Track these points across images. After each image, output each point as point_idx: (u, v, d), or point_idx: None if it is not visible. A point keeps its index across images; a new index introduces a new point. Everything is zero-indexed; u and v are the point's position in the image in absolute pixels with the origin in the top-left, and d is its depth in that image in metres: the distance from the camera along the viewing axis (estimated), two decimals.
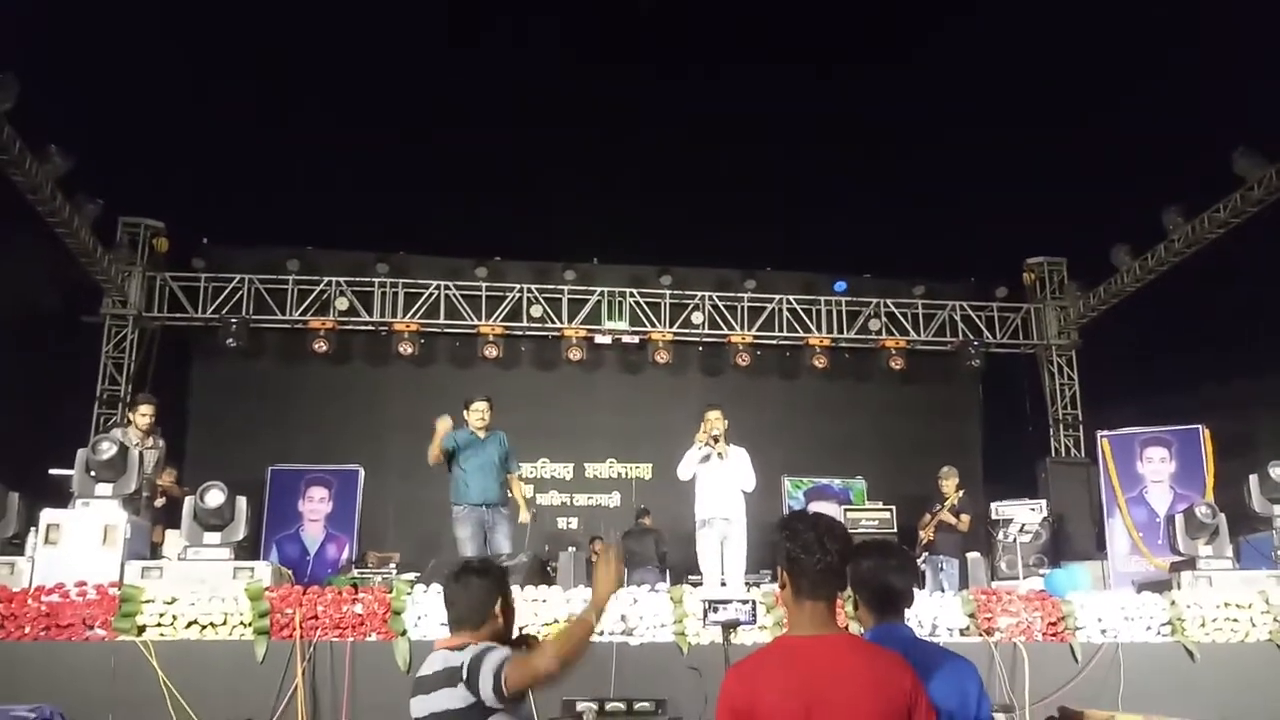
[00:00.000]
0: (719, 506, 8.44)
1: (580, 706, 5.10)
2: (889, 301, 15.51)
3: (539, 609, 6.73)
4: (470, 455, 8.64)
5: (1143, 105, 12.91)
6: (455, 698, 3.18)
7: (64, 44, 11.15)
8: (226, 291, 14.40)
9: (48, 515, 7.09)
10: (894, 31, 13.76)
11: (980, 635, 7.04)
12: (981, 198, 14.09)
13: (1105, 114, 13.27)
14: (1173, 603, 7.34)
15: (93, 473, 7.37)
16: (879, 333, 15.38)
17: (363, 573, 10.53)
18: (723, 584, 8.35)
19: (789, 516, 2.95)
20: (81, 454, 7.45)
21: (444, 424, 8.61)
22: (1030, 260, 15.97)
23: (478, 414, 8.78)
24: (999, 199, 14.11)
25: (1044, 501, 11.56)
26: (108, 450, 7.33)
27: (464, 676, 3.18)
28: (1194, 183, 12.78)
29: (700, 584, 8.56)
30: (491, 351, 14.63)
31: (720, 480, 8.48)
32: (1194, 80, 12.10)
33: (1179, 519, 8.32)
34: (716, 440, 8.47)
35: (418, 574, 9.44)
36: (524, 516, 8.94)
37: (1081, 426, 15.30)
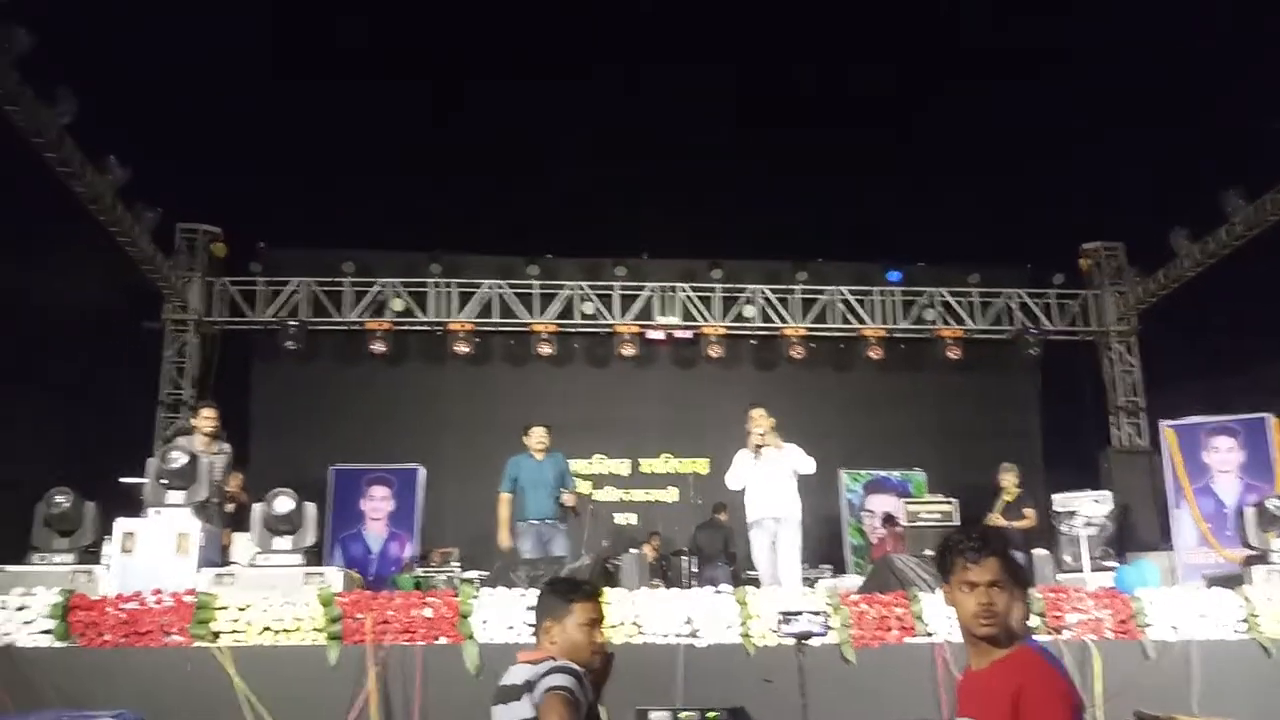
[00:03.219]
0: (768, 506, 8.44)
1: (653, 716, 5.10)
2: (944, 290, 15.35)
3: (605, 612, 6.73)
4: (529, 476, 9.17)
5: (1199, 87, 12.68)
6: (524, 709, 3.23)
7: (118, 57, 11.33)
8: (284, 295, 14.60)
9: (123, 524, 7.24)
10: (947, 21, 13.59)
11: (1049, 633, 6.97)
12: (1037, 183, 13.91)
13: (1161, 97, 13.04)
14: (1246, 599, 7.21)
15: (164, 481, 7.50)
16: (934, 322, 15.23)
17: (426, 571, 10.67)
18: (778, 583, 8.36)
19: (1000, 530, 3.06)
20: (152, 463, 7.59)
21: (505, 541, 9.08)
22: (1087, 246, 15.74)
23: (536, 438, 9.31)
24: (1054, 184, 13.93)
25: (1108, 492, 11.36)
26: (177, 460, 7.46)
27: (530, 691, 3.23)
28: (1254, 164, 12.51)
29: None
30: (545, 349, 14.69)
31: (768, 480, 8.47)
32: (1252, 60, 11.85)
33: (1250, 512, 8.18)
34: (759, 448, 8.46)
35: (479, 571, 9.58)
36: (567, 499, 9.25)
37: (1143, 414, 15.07)
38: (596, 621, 3.46)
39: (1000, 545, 2.86)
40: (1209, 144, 12.51)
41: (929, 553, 9.33)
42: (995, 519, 10.73)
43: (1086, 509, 10.20)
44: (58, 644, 6.42)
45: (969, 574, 2.82)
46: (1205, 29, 12.14)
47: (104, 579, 7.07)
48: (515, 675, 3.34)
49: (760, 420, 8.54)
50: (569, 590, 3.51)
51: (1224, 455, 11.29)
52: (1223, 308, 13.80)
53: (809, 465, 8.51)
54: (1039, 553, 9.09)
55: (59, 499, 7.49)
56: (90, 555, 7.51)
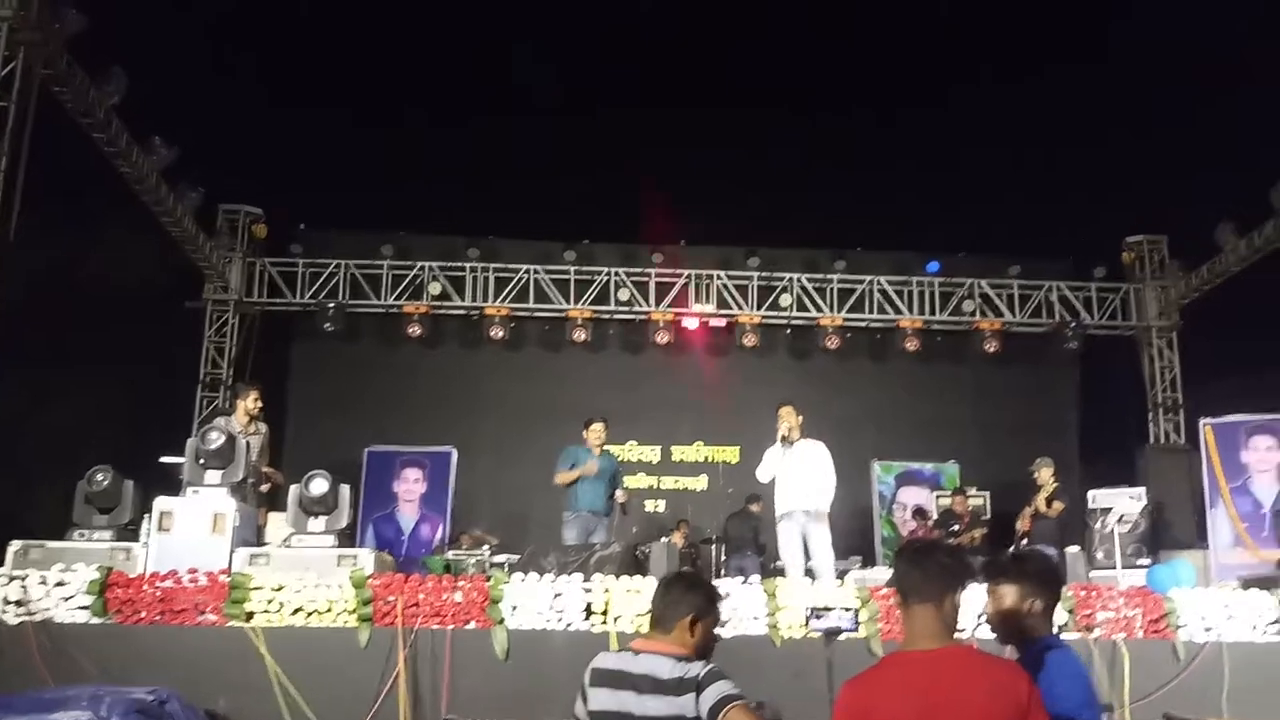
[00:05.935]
0: (797, 499, 8.48)
1: None
2: (983, 282, 15.21)
3: (634, 600, 6.77)
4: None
5: (1247, 78, 12.46)
6: (681, 706, 3.16)
7: (165, 40, 11.46)
8: (323, 277, 14.73)
9: (161, 503, 7.32)
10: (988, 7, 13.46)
11: (1079, 632, 6.92)
12: (1080, 174, 13.75)
13: (1207, 88, 12.84)
14: None
15: (202, 461, 7.59)
16: (973, 314, 15.09)
17: (456, 554, 10.75)
18: (807, 572, 8.37)
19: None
20: (191, 443, 7.69)
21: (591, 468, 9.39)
22: (1130, 239, 15.53)
23: (596, 433, 9.60)
24: (1097, 175, 13.75)
25: (1143, 489, 11.24)
26: (216, 440, 7.55)
27: (696, 689, 3.16)
28: None
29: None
30: (580, 335, 14.74)
31: (796, 473, 8.52)
32: None
33: None
34: (785, 440, 8.50)
35: (508, 555, 9.65)
36: (620, 496, 9.77)
37: (1182, 411, 14.89)
38: None
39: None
40: (1257, 136, 12.31)
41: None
42: (1039, 504, 10.65)
43: (1122, 506, 10.12)
44: (95, 620, 6.53)
45: None
46: (1252, 21, 11.94)
47: (142, 557, 7.18)
48: (653, 667, 3.24)
49: (788, 416, 8.61)
50: (715, 593, 3.49)
51: (1263, 454, 11.13)
52: (1267, 304, 13.57)
53: (829, 479, 8.57)
54: (1071, 551, 9.02)
55: (100, 477, 7.60)
56: (129, 533, 7.61)
